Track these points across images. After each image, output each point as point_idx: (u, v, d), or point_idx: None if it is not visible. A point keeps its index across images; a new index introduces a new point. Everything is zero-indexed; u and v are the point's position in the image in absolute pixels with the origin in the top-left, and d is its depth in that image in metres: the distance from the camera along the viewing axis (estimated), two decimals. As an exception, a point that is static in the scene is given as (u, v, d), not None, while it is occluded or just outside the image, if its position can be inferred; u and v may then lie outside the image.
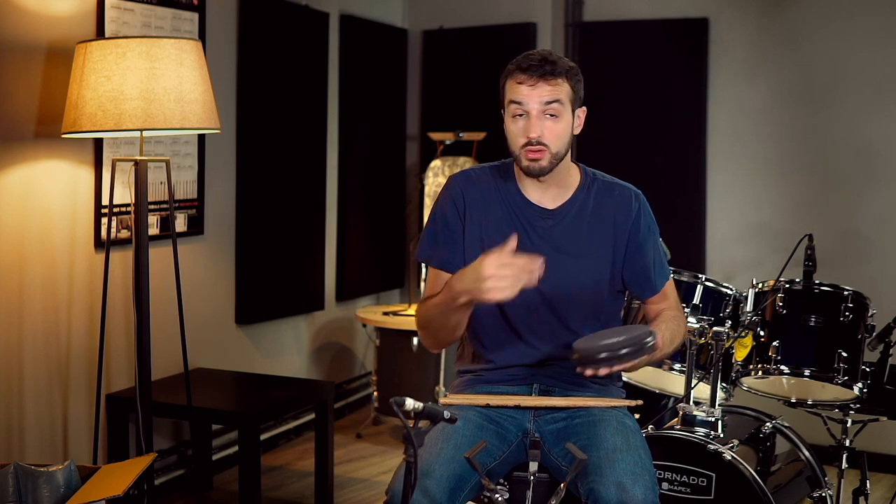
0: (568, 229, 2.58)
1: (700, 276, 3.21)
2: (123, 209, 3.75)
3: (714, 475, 2.85)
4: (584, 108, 2.57)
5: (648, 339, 2.30)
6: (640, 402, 2.61)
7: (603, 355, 2.28)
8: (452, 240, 2.60)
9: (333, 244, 5.20)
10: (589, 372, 2.29)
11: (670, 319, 2.60)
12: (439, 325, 2.51)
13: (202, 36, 4.13)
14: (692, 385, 3.02)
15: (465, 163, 5.20)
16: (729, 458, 2.83)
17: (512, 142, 2.52)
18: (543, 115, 2.47)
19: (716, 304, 3.19)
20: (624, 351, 2.28)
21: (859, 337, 3.12)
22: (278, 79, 4.69)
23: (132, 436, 3.73)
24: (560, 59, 2.51)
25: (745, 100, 4.96)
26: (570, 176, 2.61)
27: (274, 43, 4.65)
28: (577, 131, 2.57)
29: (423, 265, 5.16)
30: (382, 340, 4.93)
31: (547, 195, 2.59)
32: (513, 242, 2.29)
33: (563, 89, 2.48)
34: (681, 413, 3.02)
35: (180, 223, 4.14)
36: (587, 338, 2.38)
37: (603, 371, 2.29)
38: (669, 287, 2.69)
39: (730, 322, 3.14)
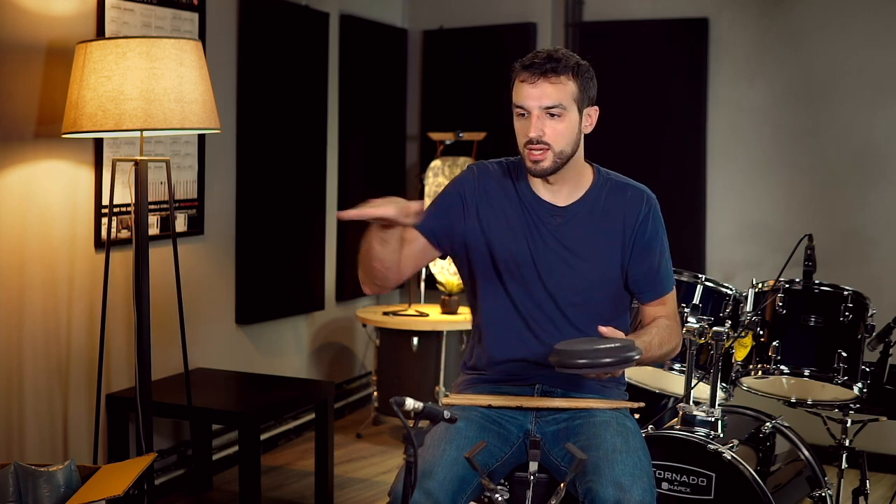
0: (577, 228, 2.56)
1: (700, 276, 3.21)
2: (123, 209, 3.75)
3: (714, 475, 2.85)
4: (596, 107, 2.56)
5: (632, 353, 2.25)
6: (642, 404, 2.61)
7: (582, 361, 2.23)
8: (447, 216, 2.62)
9: (333, 244, 5.20)
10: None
11: (664, 327, 2.58)
12: (366, 255, 2.52)
13: (202, 36, 4.13)
14: (692, 385, 3.02)
15: (464, 163, 5.19)
16: (729, 458, 2.83)
17: (518, 141, 2.53)
18: (545, 114, 2.46)
19: (716, 304, 3.19)
20: (605, 360, 2.23)
21: (859, 337, 3.12)
22: (278, 79, 4.69)
23: (132, 436, 3.73)
24: (567, 56, 2.48)
25: (745, 100, 4.96)
26: (583, 176, 2.60)
27: (274, 43, 4.65)
28: (588, 130, 2.55)
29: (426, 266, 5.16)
30: (382, 340, 4.93)
31: (559, 194, 2.58)
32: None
33: (565, 88, 2.46)
34: (681, 413, 3.02)
35: (180, 223, 4.13)
36: (571, 341, 2.34)
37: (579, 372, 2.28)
38: (671, 297, 2.66)
39: (730, 322, 3.14)
